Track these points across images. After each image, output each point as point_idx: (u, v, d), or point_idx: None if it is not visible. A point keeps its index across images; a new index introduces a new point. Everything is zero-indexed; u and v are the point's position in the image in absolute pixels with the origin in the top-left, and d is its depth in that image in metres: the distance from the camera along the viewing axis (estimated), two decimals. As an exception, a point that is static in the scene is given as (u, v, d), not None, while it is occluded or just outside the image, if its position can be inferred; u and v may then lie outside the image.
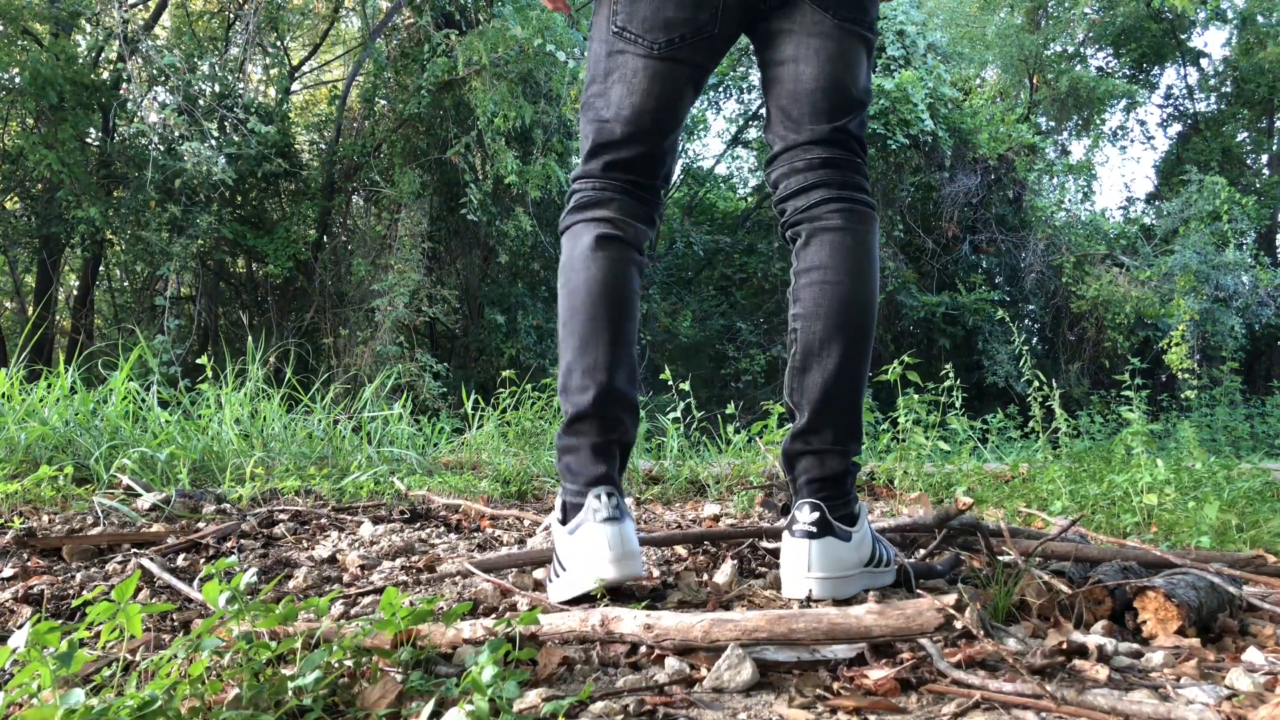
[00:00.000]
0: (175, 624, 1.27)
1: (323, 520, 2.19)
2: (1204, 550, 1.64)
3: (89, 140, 9.00)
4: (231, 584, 0.97)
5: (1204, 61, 17.53)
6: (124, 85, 8.17)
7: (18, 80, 8.46)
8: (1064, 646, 1.02)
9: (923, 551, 1.63)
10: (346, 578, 1.58)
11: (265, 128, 8.36)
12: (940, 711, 0.88)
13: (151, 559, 1.59)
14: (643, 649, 1.05)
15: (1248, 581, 1.43)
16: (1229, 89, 16.96)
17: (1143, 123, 21.60)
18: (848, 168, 1.41)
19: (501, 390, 4.36)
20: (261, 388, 3.60)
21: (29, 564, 1.62)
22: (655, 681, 0.97)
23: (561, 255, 1.44)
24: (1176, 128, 17.96)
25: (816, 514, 1.33)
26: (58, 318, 10.21)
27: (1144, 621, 1.19)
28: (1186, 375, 10.46)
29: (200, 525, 2.01)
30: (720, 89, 14.94)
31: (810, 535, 1.32)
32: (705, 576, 1.51)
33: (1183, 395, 10.35)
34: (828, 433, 1.37)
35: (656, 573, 1.55)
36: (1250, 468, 3.18)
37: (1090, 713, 0.83)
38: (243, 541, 1.88)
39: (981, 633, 1.00)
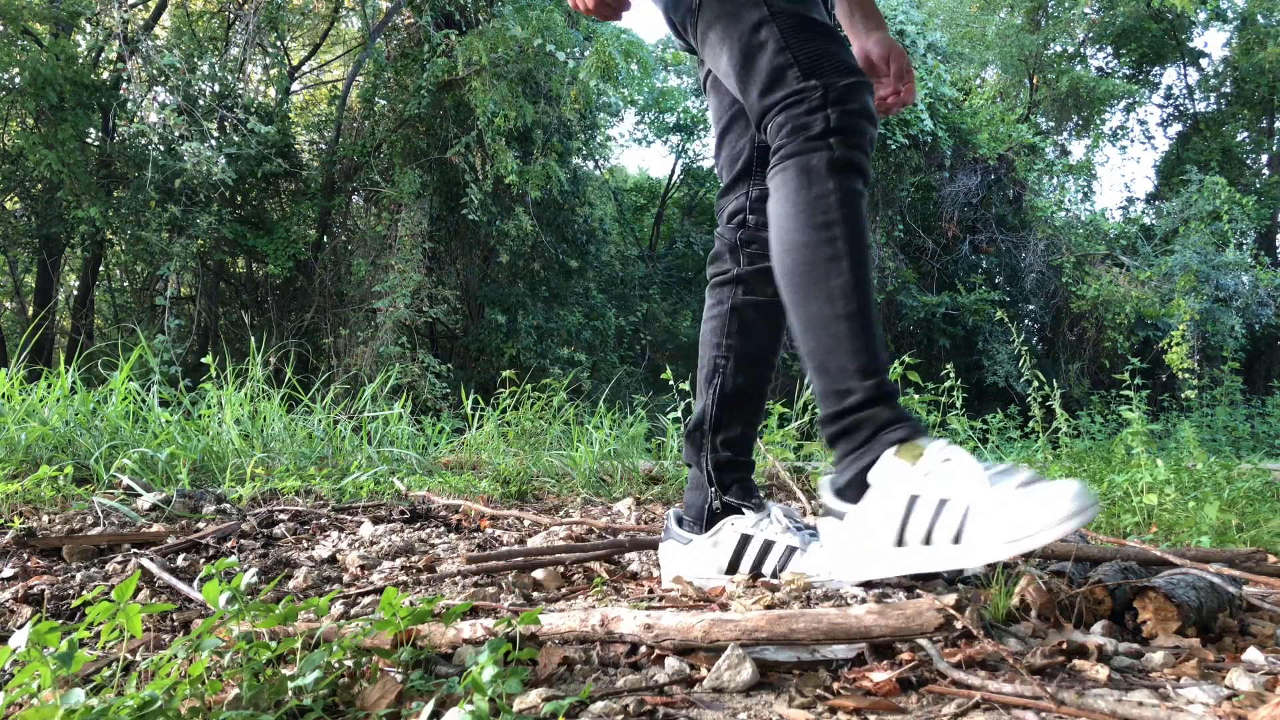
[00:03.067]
0: (175, 624, 1.27)
1: (323, 520, 2.19)
2: (1204, 549, 1.64)
3: (89, 140, 9.00)
4: (231, 584, 0.97)
5: (1204, 61, 17.54)
6: (124, 85, 8.18)
7: (18, 80, 8.47)
8: (1064, 646, 1.02)
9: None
10: (346, 578, 1.58)
11: (265, 128, 8.36)
12: (940, 712, 0.88)
13: (151, 559, 1.59)
14: (643, 649, 1.05)
15: (1248, 581, 1.43)
16: (1229, 89, 16.97)
17: (1143, 123, 21.59)
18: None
19: (501, 390, 4.36)
20: (262, 388, 3.60)
21: (29, 564, 1.62)
22: (655, 681, 0.97)
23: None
24: (1176, 128, 17.98)
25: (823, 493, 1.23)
26: (58, 318, 10.21)
27: (1144, 621, 1.19)
28: (1186, 375, 10.46)
29: (200, 525, 2.01)
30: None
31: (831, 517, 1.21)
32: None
33: (1183, 395, 10.35)
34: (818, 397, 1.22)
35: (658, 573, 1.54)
36: (1250, 468, 3.18)
37: (1090, 714, 0.83)
38: (243, 541, 1.88)
39: (981, 633, 1.00)
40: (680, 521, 1.54)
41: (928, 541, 1.07)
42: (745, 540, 1.48)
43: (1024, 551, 0.99)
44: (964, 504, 1.05)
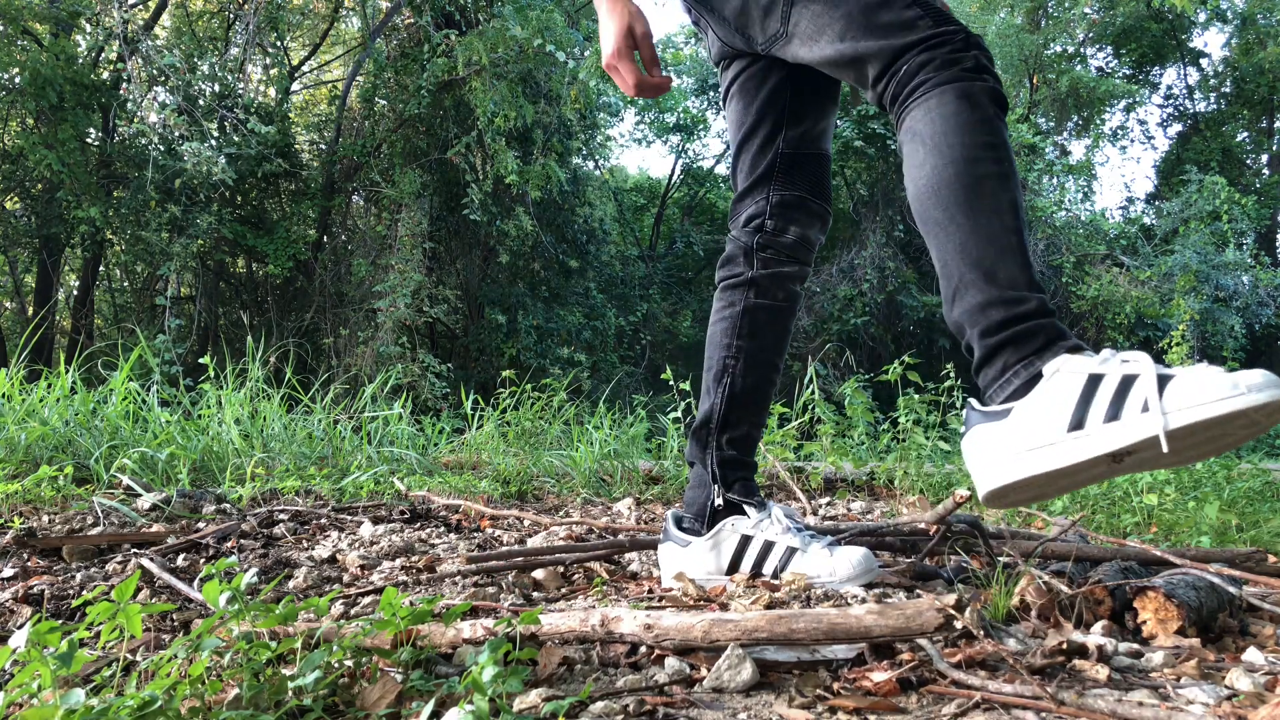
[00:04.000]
0: (175, 624, 1.27)
1: (323, 520, 2.19)
2: (1204, 549, 1.64)
3: (89, 140, 9.00)
4: (231, 584, 0.97)
5: (1204, 61, 17.55)
6: (124, 85, 8.18)
7: (18, 80, 8.47)
8: (1064, 646, 1.02)
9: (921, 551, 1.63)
10: (346, 578, 1.58)
11: (265, 128, 8.36)
12: (940, 712, 0.88)
13: (151, 559, 1.59)
14: (643, 649, 1.05)
15: (1248, 581, 1.43)
16: (1229, 89, 16.97)
17: (1143, 123, 21.61)
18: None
19: (501, 390, 4.36)
20: (262, 388, 3.60)
21: (29, 564, 1.62)
22: (655, 681, 0.97)
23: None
24: (1176, 128, 17.98)
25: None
26: (58, 318, 10.21)
27: (1144, 621, 1.19)
28: (1186, 375, 10.44)
29: (200, 525, 2.01)
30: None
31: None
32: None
33: (1183, 395, 10.33)
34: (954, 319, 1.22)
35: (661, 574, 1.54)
36: (1250, 468, 3.18)
37: (1090, 714, 0.83)
38: (243, 541, 1.88)
39: (981, 633, 1.00)
40: (680, 522, 1.55)
41: (1114, 417, 1.02)
42: (746, 541, 1.48)
43: (1232, 411, 0.95)
44: (1155, 376, 1.01)
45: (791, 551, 1.45)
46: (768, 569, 1.46)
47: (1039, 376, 1.09)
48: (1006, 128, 1.23)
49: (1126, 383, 1.02)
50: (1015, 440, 1.08)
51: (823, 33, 1.32)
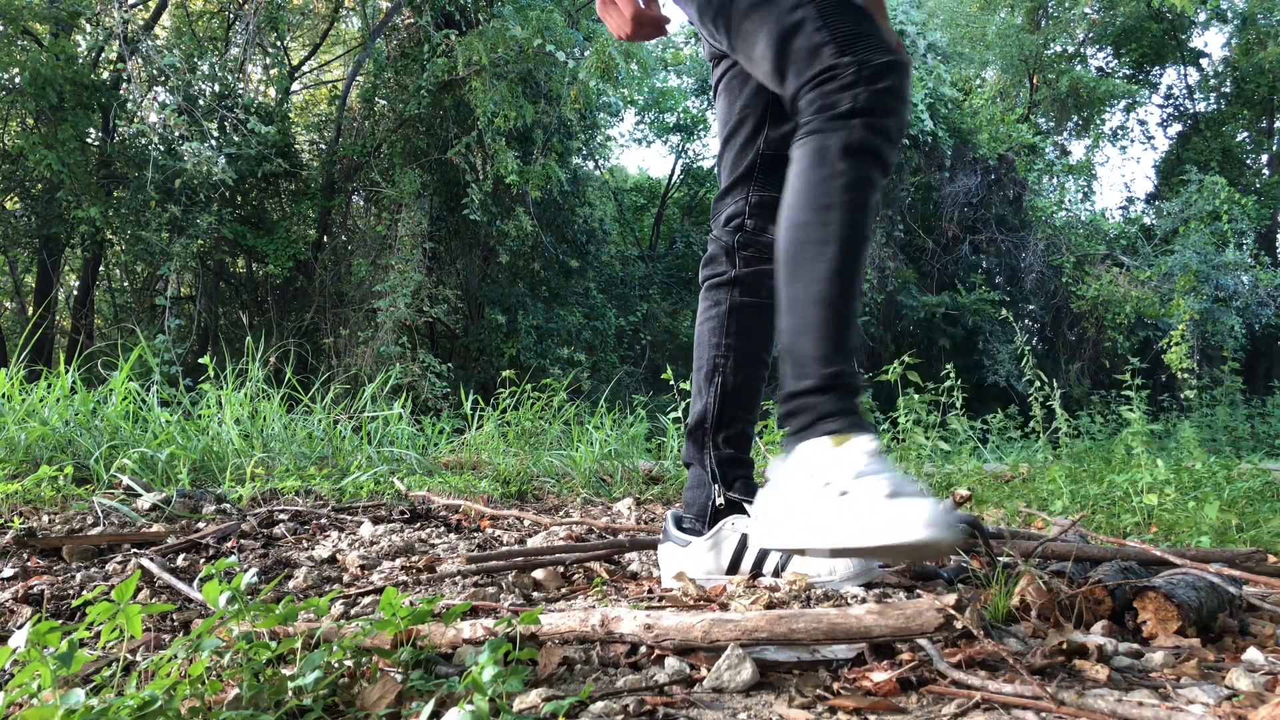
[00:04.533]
0: (175, 624, 1.27)
1: (323, 520, 2.19)
2: (1204, 549, 1.64)
3: (89, 140, 9.00)
4: (231, 584, 0.97)
5: (1204, 61, 17.54)
6: (124, 85, 8.18)
7: (18, 80, 8.47)
8: (1064, 646, 1.02)
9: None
10: (346, 578, 1.58)
11: (265, 128, 8.36)
12: (940, 712, 0.88)
13: (151, 559, 1.59)
14: (643, 649, 1.05)
15: (1248, 581, 1.43)
16: (1229, 89, 16.97)
17: (1143, 123, 21.62)
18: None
19: (501, 390, 4.36)
20: (261, 388, 3.60)
21: (29, 564, 1.62)
22: (655, 681, 0.97)
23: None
24: (1176, 128, 17.98)
25: None
26: (58, 318, 10.21)
27: (1144, 621, 1.19)
28: (1186, 375, 10.46)
29: (200, 525, 2.01)
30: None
31: None
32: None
33: (1183, 395, 10.35)
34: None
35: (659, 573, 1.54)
36: (1250, 468, 3.18)
37: (1090, 714, 0.83)
38: (243, 541, 1.88)
39: (981, 633, 1.00)
40: (680, 522, 1.54)
41: (803, 519, 1.12)
42: (746, 540, 1.48)
43: (883, 545, 1.03)
44: (837, 494, 1.09)
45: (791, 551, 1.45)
46: (768, 569, 1.46)
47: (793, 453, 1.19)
48: (860, 181, 1.20)
49: (819, 490, 1.12)
50: (775, 513, 1.18)
51: (755, 42, 1.32)
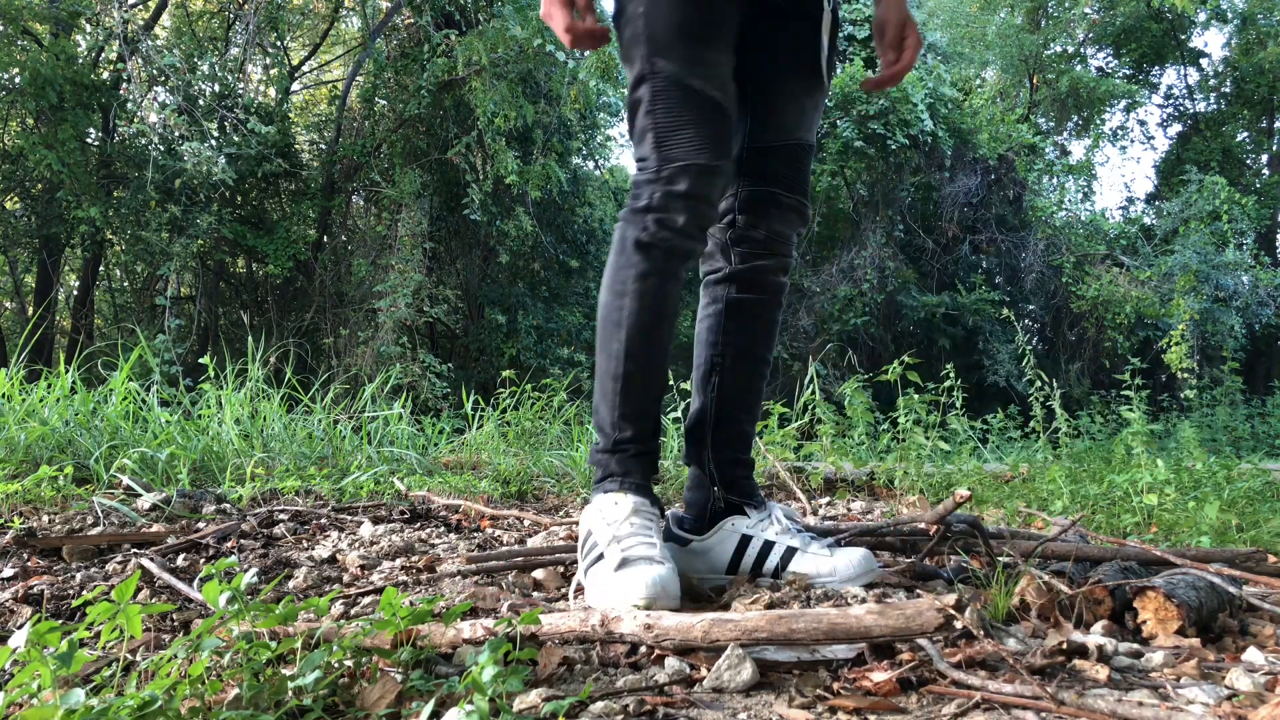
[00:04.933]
0: (175, 624, 1.27)
1: (323, 520, 2.19)
2: (1204, 549, 1.64)
3: (89, 140, 9.00)
4: (231, 584, 0.97)
5: (1204, 61, 17.54)
6: (124, 85, 8.18)
7: (18, 80, 8.46)
8: (1064, 646, 1.02)
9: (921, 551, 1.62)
10: (346, 578, 1.58)
11: (265, 128, 8.36)
12: (940, 712, 0.88)
13: (151, 559, 1.59)
14: (643, 649, 1.05)
15: (1248, 581, 1.43)
16: (1229, 89, 16.96)
17: (1143, 123, 21.62)
18: None
19: (501, 390, 4.36)
20: (261, 388, 3.60)
21: (29, 564, 1.62)
22: (655, 681, 0.97)
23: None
24: (1176, 128, 17.98)
25: None
26: (58, 318, 10.21)
27: (1144, 621, 1.19)
28: (1186, 375, 10.46)
29: (200, 525, 2.01)
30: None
31: None
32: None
33: (1183, 395, 10.35)
34: None
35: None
36: (1250, 468, 3.18)
37: (1090, 714, 0.83)
38: (243, 541, 1.88)
39: (981, 633, 1.00)
40: (680, 522, 1.54)
41: (588, 580, 1.30)
42: (745, 540, 1.48)
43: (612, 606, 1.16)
44: (601, 561, 1.28)
45: (791, 551, 1.45)
46: (767, 569, 1.46)
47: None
48: (649, 273, 1.34)
49: (589, 549, 1.32)
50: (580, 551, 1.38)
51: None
